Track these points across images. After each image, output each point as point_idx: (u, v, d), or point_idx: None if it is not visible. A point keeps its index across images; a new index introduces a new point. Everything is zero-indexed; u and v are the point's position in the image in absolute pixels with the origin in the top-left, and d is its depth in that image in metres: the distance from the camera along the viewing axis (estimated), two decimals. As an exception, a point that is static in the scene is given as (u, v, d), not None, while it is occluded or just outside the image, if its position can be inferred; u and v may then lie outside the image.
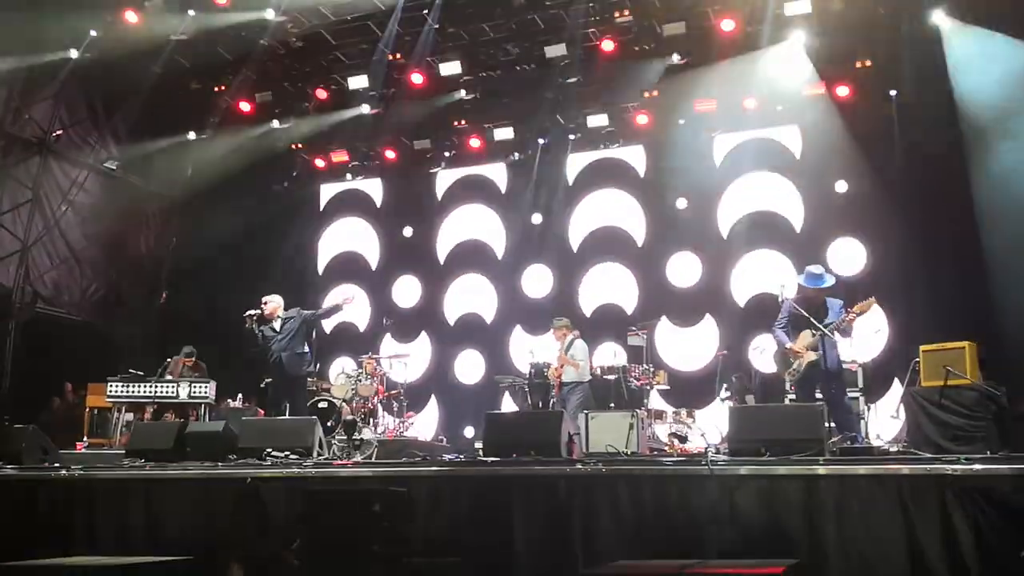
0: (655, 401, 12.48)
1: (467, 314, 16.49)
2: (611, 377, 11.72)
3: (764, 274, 14.09)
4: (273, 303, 10.84)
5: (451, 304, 16.66)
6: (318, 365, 14.54)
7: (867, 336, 10.04)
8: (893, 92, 13.39)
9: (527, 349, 13.41)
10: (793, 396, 9.82)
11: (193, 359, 12.90)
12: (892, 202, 13.34)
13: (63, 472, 8.02)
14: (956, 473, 5.58)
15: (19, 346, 14.48)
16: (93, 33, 14.08)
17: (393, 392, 13.08)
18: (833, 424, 8.10)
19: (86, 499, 7.65)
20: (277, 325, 10.76)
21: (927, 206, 12.82)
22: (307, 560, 5.90)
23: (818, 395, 8.66)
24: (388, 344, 16.11)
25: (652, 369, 12.07)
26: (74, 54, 14.26)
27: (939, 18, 12.46)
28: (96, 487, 7.69)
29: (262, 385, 11.02)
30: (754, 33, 13.05)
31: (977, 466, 5.64)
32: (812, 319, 8.33)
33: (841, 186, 14.00)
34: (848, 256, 13.63)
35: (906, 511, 5.54)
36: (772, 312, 9.33)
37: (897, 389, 10.47)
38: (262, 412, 12.41)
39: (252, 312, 10.67)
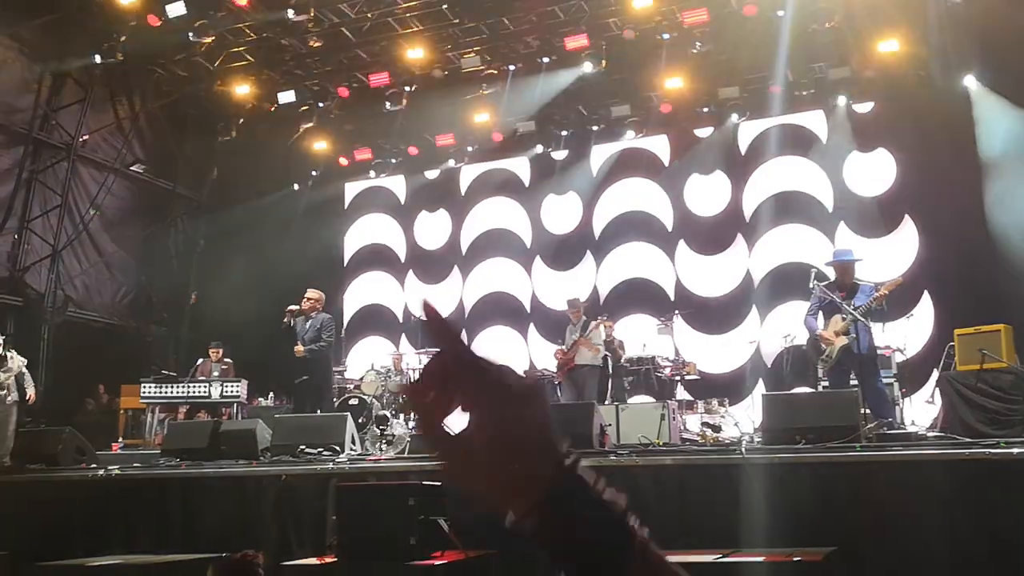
0: (684, 392, 12.40)
1: (492, 306, 16.48)
2: (640, 367, 11.67)
3: (792, 249, 14.08)
4: (313, 299, 10.84)
5: (475, 297, 16.67)
6: (345, 363, 14.69)
7: (899, 322, 9.92)
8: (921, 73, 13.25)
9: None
10: (827, 382, 9.68)
11: (220, 351, 12.97)
12: (926, 188, 13.21)
13: (100, 472, 8.11)
14: (995, 457, 5.51)
15: (52, 349, 14.66)
16: (117, 38, 14.20)
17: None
18: (867, 411, 8.00)
19: (123, 499, 7.73)
20: (308, 325, 10.76)
21: (961, 190, 12.66)
22: (343, 554, 5.91)
23: (852, 381, 8.54)
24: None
25: (682, 360, 11.98)
26: (99, 59, 14.38)
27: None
28: (133, 487, 7.77)
29: (296, 382, 11.00)
30: (777, 18, 12.93)
31: (1016, 449, 5.57)
32: (832, 305, 8.23)
33: (869, 170, 13.87)
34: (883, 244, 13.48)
35: (944, 496, 5.48)
36: (796, 282, 9.20)
37: (935, 377, 10.33)
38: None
39: (293, 307, 10.70)
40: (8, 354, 11.41)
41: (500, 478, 1.01)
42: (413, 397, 1.02)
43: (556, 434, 1.03)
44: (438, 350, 1.03)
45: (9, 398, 11.11)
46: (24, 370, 11.51)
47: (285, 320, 10.62)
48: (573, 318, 11.75)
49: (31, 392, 11.37)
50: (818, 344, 8.51)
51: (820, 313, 8.57)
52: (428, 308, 1.04)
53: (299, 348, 10.53)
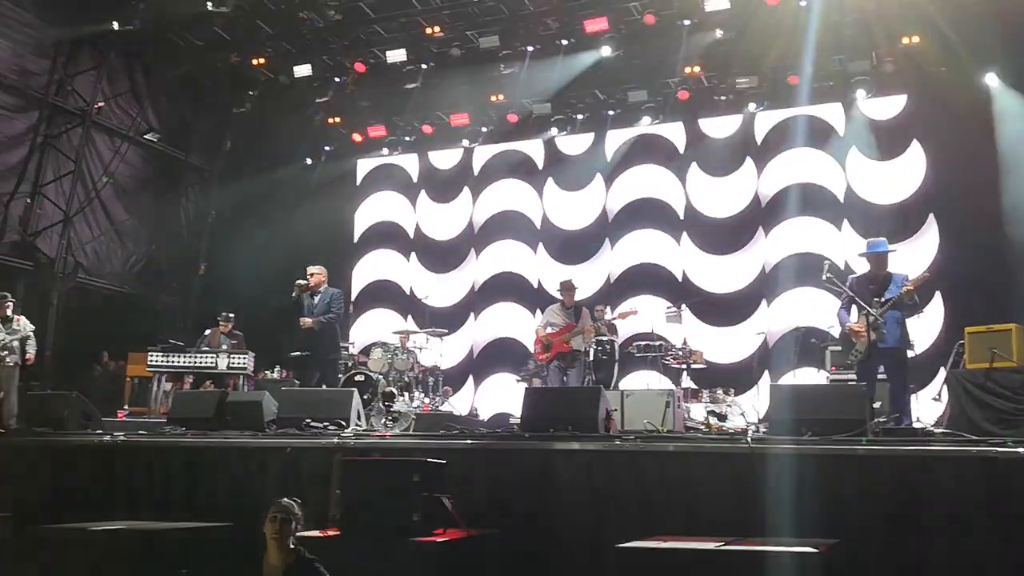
0: (688, 381, 12.37)
1: (502, 285, 16.47)
2: (648, 354, 11.67)
3: (805, 241, 14.06)
4: (319, 274, 10.86)
5: (486, 275, 16.66)
6: (351, 338, 14.71)
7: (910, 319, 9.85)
8: (942, 68, 13.15)
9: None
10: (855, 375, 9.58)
11: (230, 324, 12.99)
12: (946, 186, 13.13)
13: (106, 438, 8.14)
14: (1002, 456, 5.49)
15: (61, 315, 14.71)
16: (136, 5, 14.16)
17: (430, 367, 13.14)
18: (879, 404, 7.96)
19: (128, 465, 7.76)
20: (316, 299, 10.78)
21: (978, 190, 12.58)
22: (346, 528, 5.93)
23: (881, 375, 8.47)
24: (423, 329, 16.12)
25: (689, 349, 11.97)
26: (116, 26, 14.33)
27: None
28: (138, 453, 7.79)
29: (293, 355, 10.98)
30: (799, 8, 12.82)
31: (1022, 449, 5.54)
32: (866, 298, 8.13)
33: (886, 168, 13.80)
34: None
35: (949, 494, 5.46)
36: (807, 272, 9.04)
37: (942, 375, 10.29)
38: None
39: (301, 281, 10.73)
40: (16, 317, 11.44)
41: None
42: None
43: None
44: None
45: (9, 359, 11.15)
46: (30, 335, 11.54)
47: (294, 295, 10.64)
48: (566, 301, 11.63)
49: (30, 353, 11.41)
50: (850, 338, 8.42)
51: (853, 306, 8.47)
52: None
53: (306, 320, 10.55)
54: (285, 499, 5.19)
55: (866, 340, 8.11)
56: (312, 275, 10.76)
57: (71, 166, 15.12)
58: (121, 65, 15.83)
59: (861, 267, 9.40)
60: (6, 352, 11.11)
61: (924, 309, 11.18)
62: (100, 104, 15.41)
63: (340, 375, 12.23)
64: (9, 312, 11.37)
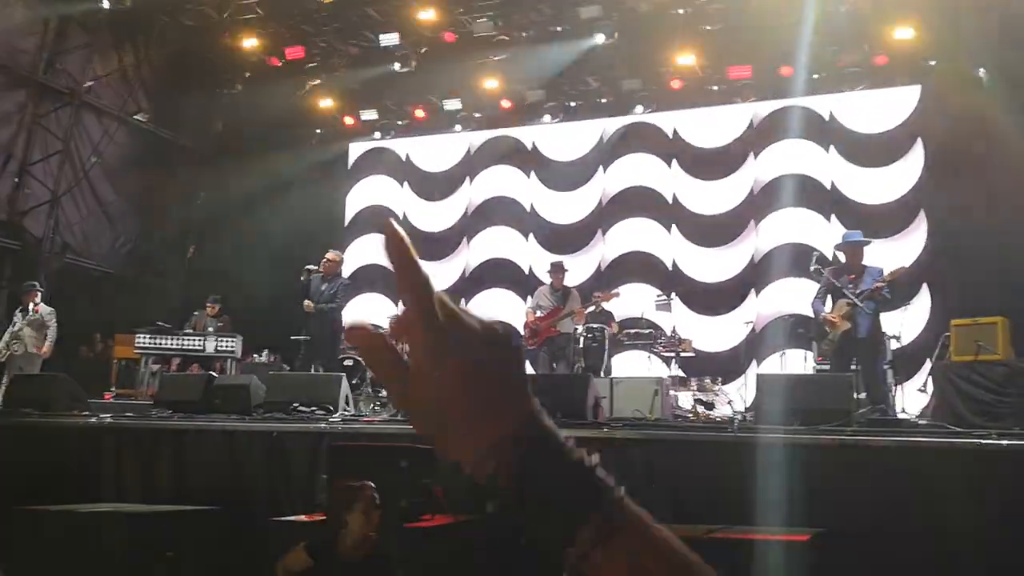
0: (677, 369, 12.41)
1: (493, 271, 16.47)
2: (639, 342, 11.70)
3: (794, 231, 14.06)
4: (334, 260, 10.79)
5: (477, 262, 16.65)
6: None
7: (897, 311, 9.92)
8: (932, 62, 13.16)
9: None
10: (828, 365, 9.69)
11: (217, 307, 12.94)
12: (930, 180, 13.16)
13: (93, 420, 8.12)
14: (985, 448, 5.53)
15: (48, 296, 14.62)
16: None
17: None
18: (863, 395, 8.03)
19: (115, 447, 7.74)
20: (325, 285, 10.72)
21: (964, 182, 12.61)
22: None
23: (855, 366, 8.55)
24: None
25: (679, 337, 11.99)
26: (107, 4, 14.22)
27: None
28: (125, 436, 7.78)
29: (292, 339, 10.96)
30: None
31: (1005, 441, 5.59)
32: (844, 288, 8.21)
33: (877, 160, 13.83)
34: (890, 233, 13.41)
35: (933, 484, 5.50)
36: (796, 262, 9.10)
37: (928, 367, 10.36)
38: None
39: (311, 266, 10.68)
40: (36, 306, 11.37)
41: (460, 424, 0.94)
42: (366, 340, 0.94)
43: (523, 383, 0.96)
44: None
45: (18, 348, 11.08)
46: (49, 322, 11.45)
47: (302, 278, 10.59)
48: (555, 283, 11.53)
49: (47, 346, 11.34)
50: (823, 327, 8.52)
51: (828, 297, 8.56)
52: (390, 228, 0.94)
53: (308, 304, 10.49)
54: (372, 485, 4.93)
55: (839, 330, 8.20)
56: (329, 261, 10.68)
57: (59, 146, 15.00)
58: (111, 44, 15.69)
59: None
60: (16, 341, 11.05)
61: (903, 306, 11.23)
62: (89, 83, 15.29)
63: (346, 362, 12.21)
64: (37, 300, 11.33)
